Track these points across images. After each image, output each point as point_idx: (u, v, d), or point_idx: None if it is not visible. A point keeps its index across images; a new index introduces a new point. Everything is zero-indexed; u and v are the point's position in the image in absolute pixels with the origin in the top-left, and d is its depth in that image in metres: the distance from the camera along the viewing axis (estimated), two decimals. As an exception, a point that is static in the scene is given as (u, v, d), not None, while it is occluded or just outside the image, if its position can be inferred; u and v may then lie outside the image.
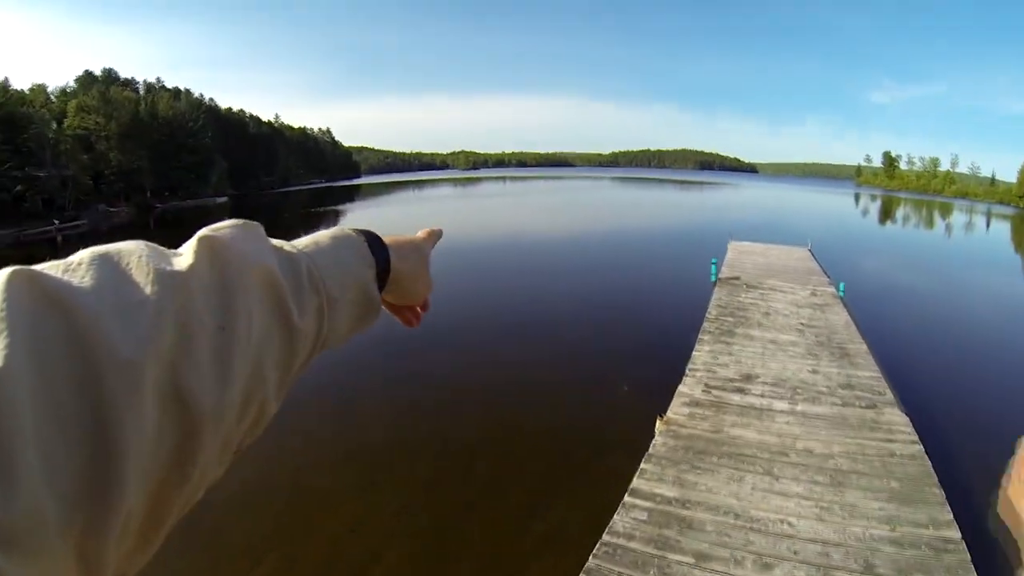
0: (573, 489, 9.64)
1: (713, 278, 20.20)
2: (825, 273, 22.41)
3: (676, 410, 10.18)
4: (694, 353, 12.98)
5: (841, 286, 18.57)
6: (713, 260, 20.87)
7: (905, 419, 9.92)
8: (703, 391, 10.96)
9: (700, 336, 14.10)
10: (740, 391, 11.01)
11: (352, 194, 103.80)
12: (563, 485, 9.81)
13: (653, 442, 9.13)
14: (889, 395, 11.01)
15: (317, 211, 72.35)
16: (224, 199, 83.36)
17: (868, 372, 12.13)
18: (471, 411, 12.98)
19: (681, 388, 11.04)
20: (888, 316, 20.52)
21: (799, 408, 10.30)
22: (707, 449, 8.90)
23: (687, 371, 11.96)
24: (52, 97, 72.72)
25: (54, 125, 62.75)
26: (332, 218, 62.88)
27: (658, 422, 10.50)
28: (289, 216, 70.27)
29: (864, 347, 13.66)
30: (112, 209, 66.55)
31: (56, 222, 55.38)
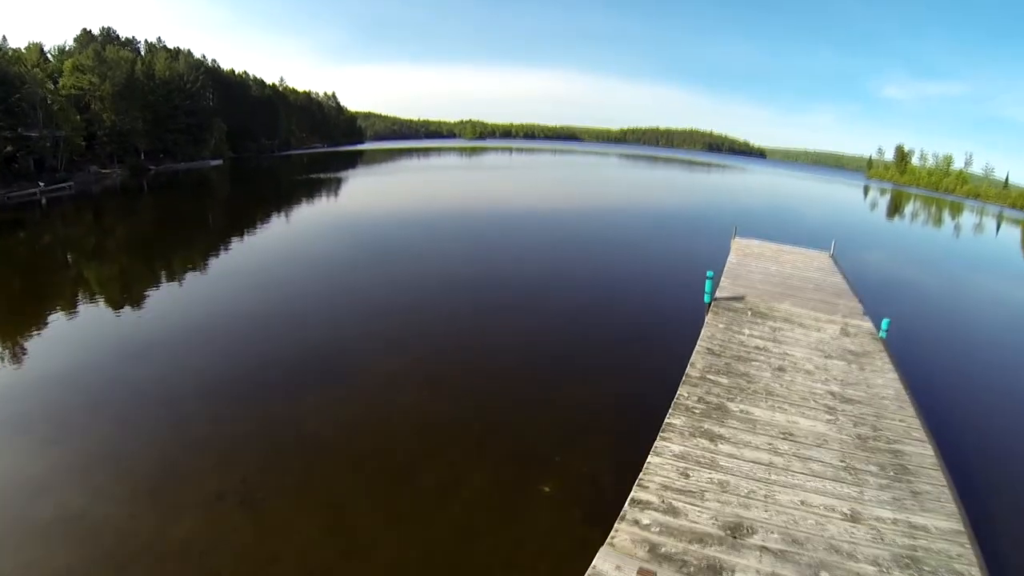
0: None
1: (707, 298, 14.44)
2: (854, 293, 16.55)
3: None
4: (650, 458, 7.57)
5: (884, 324, 12.77)
6: (709, 274, 14.81)
7: None
8: (642, 568, 5.62)
9: (668, 418, 8.61)
10: (715, 572, 5.63)
11: (354, 160, 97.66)
12: None
13: None
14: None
15: (311, 179, 66.77)
16: (219, 162, 78.24)
17: (943, 520, 6.72)
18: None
19: (599, 561, 5.71)
20: (953, 383, 14.13)
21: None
22: None
23: (627, 504, 6.63)
24: (50, 56, 68.07)
25: (51, 85, 58.76)
26: (328, 187, 57.43)
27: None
28: (282, 183, 65.30)
29: (930, 452, 8.15)
30: (104, 171, 62.98)
31: (41, 184, 51.77)
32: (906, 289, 24.95)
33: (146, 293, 19.12)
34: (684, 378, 9.92)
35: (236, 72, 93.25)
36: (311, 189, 56.17)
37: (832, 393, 9.74)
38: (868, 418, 8.97)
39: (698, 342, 11.61)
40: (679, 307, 16.59)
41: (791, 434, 8.32)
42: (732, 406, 9.03)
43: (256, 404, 11.17)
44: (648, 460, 7.47)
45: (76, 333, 15.19)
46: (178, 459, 9.41)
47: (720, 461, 7.54)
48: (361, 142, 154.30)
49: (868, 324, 13.57)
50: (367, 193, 55.54)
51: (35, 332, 15.18)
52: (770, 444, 8.01)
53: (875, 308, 15.21)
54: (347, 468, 9.24)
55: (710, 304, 14.23)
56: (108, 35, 74.79)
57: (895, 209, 78.86)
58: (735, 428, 8.38)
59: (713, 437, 8.10)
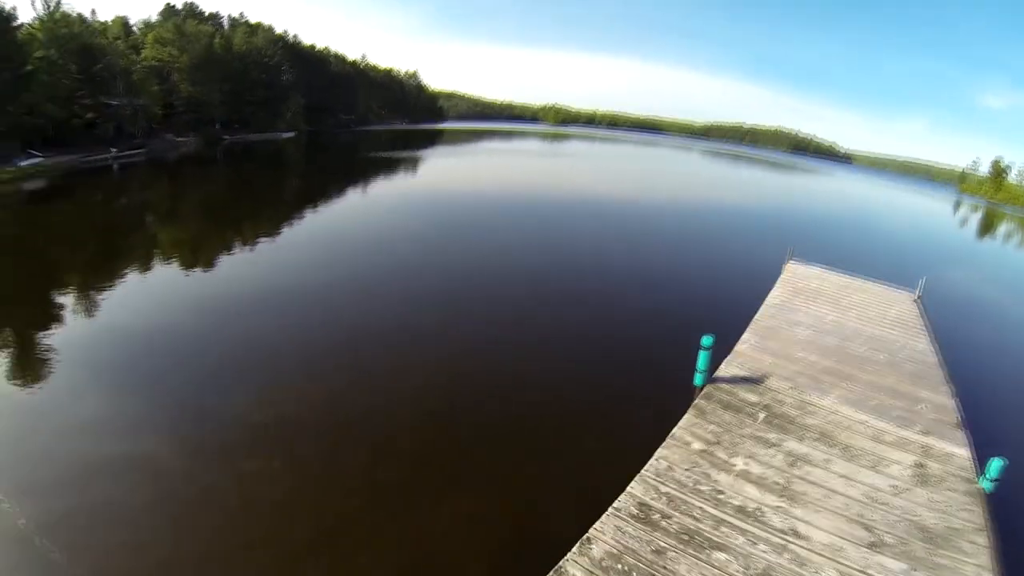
0: None
1: (699, 379, 8.99)
2: (947, 375, 10.46)
3: None
4: None
5: (994, 466, 6.96)
6: (706, 341, 8.74)
7: None
8: None
9: None
10: None
11: (433, 139, 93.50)
12: None
13: None
14: None
15: (383, 158, 62.97)
16: (291, 134, 76.88)
17: None
18: None
19: None
20: None
21: None
22: None
23: None
24: (135, 29, 69.54)
25: (133, 56, 60.07)
26: (400, 168, 53.92)
27: None
28: (352, 158, 62.55)
29: None
30: (179, 139, 63.97)
31: (113, 150, 52.83)
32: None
33: (196, 257, 19.01)
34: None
35: (317, 48, 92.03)
36: (375, 166, 53.43)
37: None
38: None
39: (629, 487, 6.47)
40: (670, 381, 10.83)
41: None
42: None
43: None
44: None
45: (127, 292, 15.00)
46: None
47: None
48: (442, 121, 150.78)
49: (964, 454, 7.81)
50: (432, 177, 50.92)
51: (104, 290, 15.09)
52: None
53: (979, 411, 9.37)
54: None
55: (702, 388, 8.91)
56: (191, 10, 75.20)
57: (987, 230, 65.10)
58: None
59: None
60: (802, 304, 13.67)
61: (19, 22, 43.30)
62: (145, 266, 17.64)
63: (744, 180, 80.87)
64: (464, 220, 27.71)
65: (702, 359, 8.78)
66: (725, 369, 9.55)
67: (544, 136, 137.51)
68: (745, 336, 11.04)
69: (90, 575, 6.23)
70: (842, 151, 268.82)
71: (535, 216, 30.24)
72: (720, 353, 9.69)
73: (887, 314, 13.65)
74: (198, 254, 19.68)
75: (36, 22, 48.29)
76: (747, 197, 58.31)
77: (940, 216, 72.87)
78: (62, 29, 48.69)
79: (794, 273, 16.43)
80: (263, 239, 21.93)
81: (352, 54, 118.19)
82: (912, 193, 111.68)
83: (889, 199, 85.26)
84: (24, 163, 38.64)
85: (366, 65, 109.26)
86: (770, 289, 14.63)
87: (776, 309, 13.04)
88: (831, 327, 12.31)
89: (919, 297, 15.51)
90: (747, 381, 9.22)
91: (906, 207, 77.16)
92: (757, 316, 12.38)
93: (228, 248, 20.50)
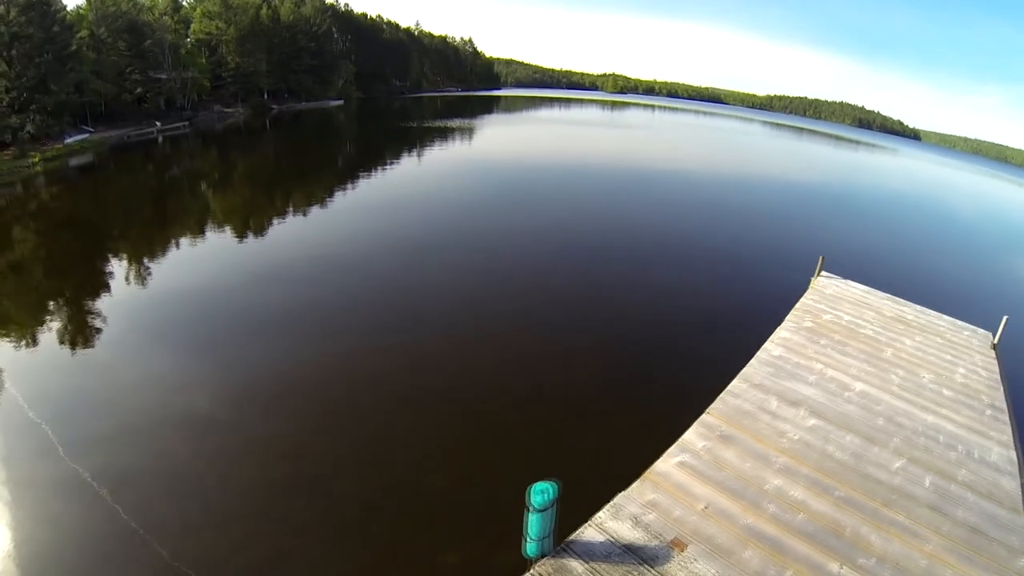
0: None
1: (530, 550, 4.70)
2: None
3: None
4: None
5: None
6: (539, 495, 4.45)
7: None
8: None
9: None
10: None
11: (488, 106, 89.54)
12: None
13: None
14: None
15: (434, 127, 58.46)
16: (339, 102, 75.60)
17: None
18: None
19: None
20: None
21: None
22: None
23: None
24: (184, 3, 69.71)
25: (183, 31, 59.89)
26: (444, 140, 49.97)
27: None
28: (397, 131, 58.24)
29: None
30: (227, 110, 64.50)
31: (158, 124, 53.72)
32: None
33: (226, 225, 19.01)
34: None
35: (369, 16, 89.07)
36: (422, 135, 50.72)
37: None
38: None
39: None
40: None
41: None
42: None
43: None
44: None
45: (163, 261, 15.12)
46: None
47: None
48: (498, 88, 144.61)
49: None
50: (470, 158, 45.16)
51: (144, 258, 15.31)
52: None
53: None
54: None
55: (533, 562, 4.68)
56: (239, -19, 73.82)
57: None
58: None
59: None
60: (818, 354, 8.76)
61: (63, 4, 43.04)
62: (177, 234, 17.63)
63: (794, 154, 71.58)
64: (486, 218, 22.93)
65: (534, 524, 4.54)
66: (605, 520, 5.18)
67: (603, 104, 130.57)
68: (688, 435, 6.46)
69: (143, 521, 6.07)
70: (909, 128, 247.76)
71: (561, 203, 25.51)
72: (625, 472, 5.40)
73: (951, 378, 8.49)
74: (228, 223, 19.58)
75: (85, 2, 48.67)
76: (790, 177, 48.43)
77: (1019, 206, 60.23)
78: (110, 8, 48.86)
79: (821, 295, 11.27)
80: (293, 210, 21.67)
81: (408, 18, 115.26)
82: (984, 175, 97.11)
83: (958, 182, 73.64)
84: (71, 139, 39.12)
85: (420, 32, 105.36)
86: (778, 323, 9.73)
87: (771, 368, 8.22)
88: (854, 408, 7.46)
89: (997, 342, 10.04)
90: (631, 555, 4.85)
91: (978, 193, 65.14)
92: (732, 385, 7.66)
93: (260, 218, 20.33)
